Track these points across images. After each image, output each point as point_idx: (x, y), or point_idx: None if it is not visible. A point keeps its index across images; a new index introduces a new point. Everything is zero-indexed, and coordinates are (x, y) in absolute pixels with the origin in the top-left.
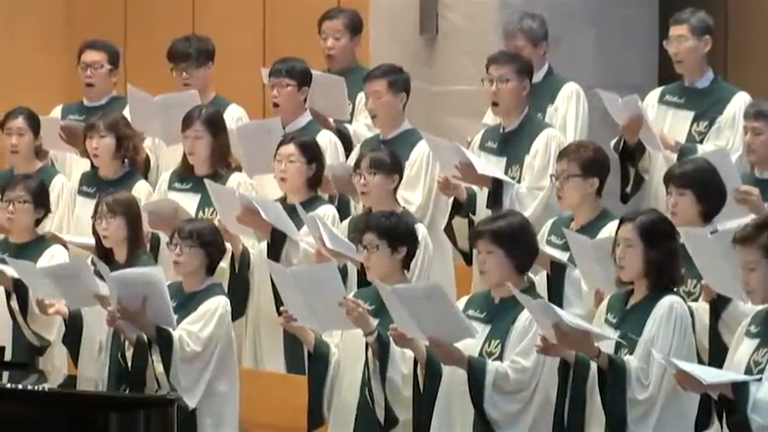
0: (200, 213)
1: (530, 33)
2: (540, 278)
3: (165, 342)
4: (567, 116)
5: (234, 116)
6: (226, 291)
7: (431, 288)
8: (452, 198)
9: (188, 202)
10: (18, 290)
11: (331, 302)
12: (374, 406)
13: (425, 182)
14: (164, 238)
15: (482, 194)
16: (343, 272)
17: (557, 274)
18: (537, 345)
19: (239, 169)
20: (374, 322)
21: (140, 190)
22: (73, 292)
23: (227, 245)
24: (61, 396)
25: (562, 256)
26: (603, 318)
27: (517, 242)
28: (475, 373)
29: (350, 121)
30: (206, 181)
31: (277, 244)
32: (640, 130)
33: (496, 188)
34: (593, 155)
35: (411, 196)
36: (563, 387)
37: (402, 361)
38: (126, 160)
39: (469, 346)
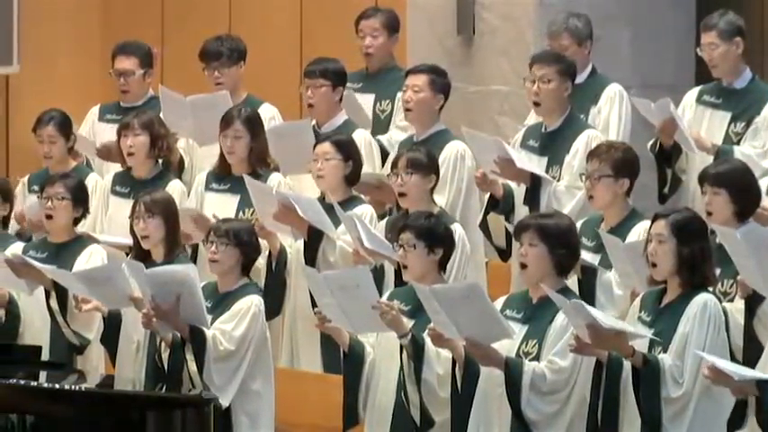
0: (240, 214)
1: (575, 32)
2: (571, 282)
3: (198, 341)
4: (610, 118)
5: (266, 115)
6: (262, 289)
7: (469, 288)
8: (488, 194)
9: (227, 203)
10: (58, 289)
11: (365, 305)
12: (410, 407)
13: (453, 184)
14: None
15: (519, 191)
16: (380, 272)
17: (588, 277)
18: (571, 344)
19: (278, 169)
20: (408, 325)
21: (174, 190)
22: (107, 295)
23: (264, 243)
24: (99, 396)
25: (593, 258)
26: (637, 316)
27: (561, 242)
28: (512, 373)
29: (387, 127)
30: (245, 177)
31: (314, 242)
32: (675, 132)
33: (535, 185)
34: (624, 155)
35: (437, 198)
36: (597, 386)
37: (437, 362)
38: (159, 160)
39: (506, 346)
